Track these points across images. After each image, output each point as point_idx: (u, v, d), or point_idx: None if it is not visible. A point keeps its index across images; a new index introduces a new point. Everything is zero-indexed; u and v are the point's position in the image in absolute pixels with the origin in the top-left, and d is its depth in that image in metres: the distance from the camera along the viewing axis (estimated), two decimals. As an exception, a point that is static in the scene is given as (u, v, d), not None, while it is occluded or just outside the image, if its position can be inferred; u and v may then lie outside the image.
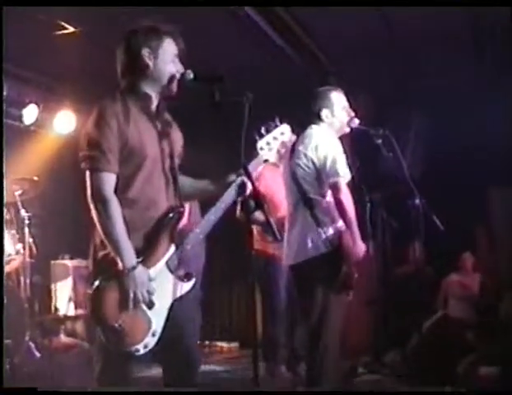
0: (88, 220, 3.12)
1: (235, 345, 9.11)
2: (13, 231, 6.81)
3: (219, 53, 6.64)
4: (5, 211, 6.52)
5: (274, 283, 6.12)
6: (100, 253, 3.11)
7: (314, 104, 4.69)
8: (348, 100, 4.76)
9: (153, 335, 3.07)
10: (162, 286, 3.11)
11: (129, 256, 3.02)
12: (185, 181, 3.43)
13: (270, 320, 6.24)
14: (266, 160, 3.39)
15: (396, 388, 5.90)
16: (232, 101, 2.98)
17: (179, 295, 3.18)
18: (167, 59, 3.24)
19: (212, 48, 6.47)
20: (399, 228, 6.92)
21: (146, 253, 3.10)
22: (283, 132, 3.46)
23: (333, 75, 7.38)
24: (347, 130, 4.76)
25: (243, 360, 7.73)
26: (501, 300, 7.46)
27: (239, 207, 4.84)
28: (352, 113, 4.72)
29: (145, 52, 3.21)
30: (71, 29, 6.47)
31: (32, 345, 6.42)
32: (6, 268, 6.48)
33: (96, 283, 3.02)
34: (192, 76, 3.22)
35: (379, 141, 5.00)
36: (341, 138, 4.78)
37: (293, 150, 4.61)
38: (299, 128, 4.46)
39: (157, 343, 3.08)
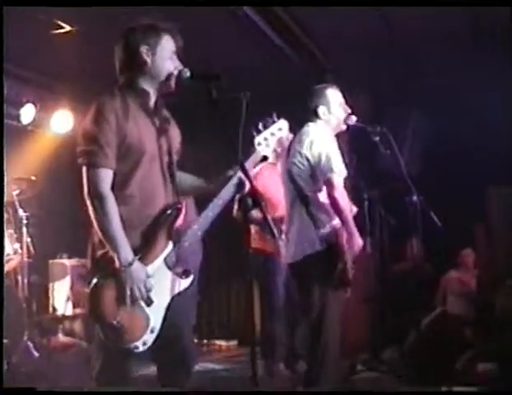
0: (86, 219, 3.11)
1: (233, 343, 9.11)
2: (11, 231, 6.80)
3: (217, 52, 6.63)
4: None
5: (272, 281, 6.12)
6: (99, 252, 3.12)
7: (310, 101, 4.69)
8: (345, 97, 4.76)
9: (152, 332, 3.08)
10: (160, 283, 3.12)
11: (126, 252, 3.02)
12: (183, 177, 3.44)
13: (268, 318, 6.24)
14: (264, 157, 3.39)
15: (395, 386, 5.89)
16: (229, 98, 2.98)
17: (177, 291, 3.18)
18: (165, 56, 3.25)
19: (210, 46, 6.46)
20: (397, 225, 6.92)
21: (143, 251, 3.10)
22: (281, 128, 3.47)
23: (331, 72, 7.37)
24: (344, 127, 4.76)
25: (241, 358, 7.73)
26: (497, 297, 7.49)
27: (236, 206, 4.86)
28: (349, 110, 4.73)
29: (143, 49, 3.22)
30: (68, 28, 6.46)
31: (30, 344, 6.41)
32: (5, 268, 6.48)
33: (94, 281, 3.02)
34: (189, 74, 3.23)
35: (377, 138, 5.00)
36: (338, 135, 4.79)
37: (290, 148, 4.63)
38: (296, 126, 4.47)
39: (156, 340, 3.08)
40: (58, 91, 8.29)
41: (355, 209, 4.86)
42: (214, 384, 6.12)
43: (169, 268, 3.16)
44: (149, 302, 3.06)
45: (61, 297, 7.86)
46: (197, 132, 5.55)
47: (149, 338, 3.07)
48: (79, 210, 3.25)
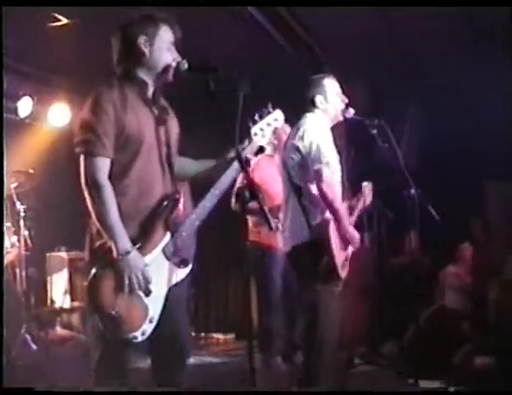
0: (84, 211, 3.11)
1: (230, 336, 9.12)
2: (8, 224, 6.80)
3: (215, 44, 6.61)
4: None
5: (270, 274, 6.13)
6: (97, 243, 3.12)
7: (307, 90, 4.70)
8: (342, 88, 4.77)
9: (151, 322, 3.08)
10: (158, 273, 3.12)
11: (123, 241, 3.02)
12: (186, 162, 3.45)
13: (266, 311, 6.25)
14: (261, 147, 3.40)
15: (393, 380, 5.90)
16: (227, 90, 2.98)
17: (174, 282, 3.19)
18: (163, 47, 3.24)
19: (208, 38, 6.45)
20: (395, 218, 6.92)
21: (141, 241, 3.10)
22: (276, 118, 3.47)
23: (328, 64, 7.36)
24: (341, 118, 4.77)
25: (239, 351, 7.74)
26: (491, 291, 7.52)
27: (233, 199, 4.86)
28: (346, 100, 4.74)
29: (141, 39, 3.21)
30: (64, 20, 6.44)
31: (28, 337, 6.42)
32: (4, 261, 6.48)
33: (93, 271, 3.02)
34: (186, 66, 3.23)
35: (375, 131, 5.00)
36: (335, 128, 4.80)
37: (287, 140, 4.64)
38: (293, 116, 4.48)
39: (155, 331, 3.08)
40: (55, 84, 8.28)
41: (360, 204, 4.88)
42: (211, 378, 6.11)
43: (167, 258, 3.16)
44: (147, 292, 3.06)
45: (59, 290, 7.86)
46: (195, 123, 5.55)
47: (148, 328, 3.07)
48: (77, 203, 3.25)
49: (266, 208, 3.10)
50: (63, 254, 8.04)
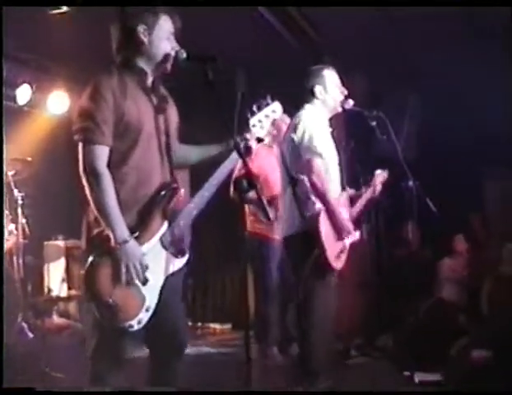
0: (82, 198, 3.11)
1: (227, 326, 9.12)
2: (6, 212, 6.79)
3: (214, 34, 6.59)
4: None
5: (266, 264, 6.14)
6: (95, 231, 3.11)
7: (307, 81, 4.71)
8: (342, 80, 4.77)
9: (147, 310, 3.08)
10: (155, 262, 3.12)
11: (121, 230, 3.01)
12: (187, 150, 3.46)
13: (262, 301, 6.26)
14: (259, 139, 3.40)
15: (388, 371, 5.91)
16: (226, 80, 2.97)
17: (171, 271, 3.19)
18: (162, 36, 3.23)
19: (207, 28, 6.43)
20: (393, 211, 6.92)
21: (139, 230, 3.10)
22: (274, 110, 3.47)
23: (328, 55, 7.34)
24: (340, 109, 4.77)
25: (236, 341, 7.74)
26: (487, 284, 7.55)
27: (232, 188, 4.86)
28: (346, 92, 4.74)
29: (140, 28, 3.20)
30: (64, 8, 6.42)
31: (25, 325, 6.41)
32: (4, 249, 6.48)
33: (90, 259, 3.02)
34: (185, 55, 3.22)
35: (374, 123, 4.99)
36: (335, 119, 4.80)
37: (286, 131, 4.65)
38: (292, 108, 4.48)
39: (151, 319, 3.08)
40: (54, 72, 8.25)
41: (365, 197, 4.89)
42: (207, 368, 6.12)
43: (165, 248, 3.16)
44: (144, 281, 3.06)
45: (56, 278, 7.86)
46: (194, 112, 5.54)
47: (144, 317, 3.07)
48: (75, 191, 3.24)
49: (264, 198, 3.10)
50: (61, 243, 8.04)
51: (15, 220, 6.84)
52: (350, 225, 4.61)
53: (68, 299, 7.76)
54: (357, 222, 4.94)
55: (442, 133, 7.87)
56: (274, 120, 3.46)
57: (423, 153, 7.65)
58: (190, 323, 8.67)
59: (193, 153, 3.48)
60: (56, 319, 7.46)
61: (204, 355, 7.02)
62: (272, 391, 4.98)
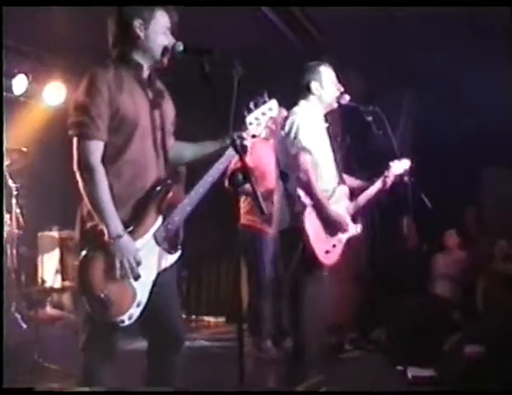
0: (77, 191, 3.10)
1: (221, 319, 9.13)
2: (0, 202, 6.77)
3: (211, 29, 6.58)
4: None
5: (260, 257, 6.16)
6: (88, 224, 3.11)
7: (303, 77, 4.72)
8: (338, 77, 4.77)
9: (138, 306, 3.08)
10: (148, 258, 3.12)
11: (115, 224, 3.01)
12: (182, 147, 3.45)
13: (256, 295, 6.27)
14: (254, 135, 3.40)
15: (382, 366, 5.92)
16: (222, 74, 2.97)
17: (164, 266, 3.19)
18: (158, 31, 3.23)
19: (205, 23, 6.41)
20: (388, 205, 6.92)
21: (133, 225, 3.10)
22: (271, 108, 3.49)
23: (325, 51, 7.34)
24: (336, 105, 4.77)
25: (229, 335, 7.75)
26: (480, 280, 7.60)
27: (227, 181, 4.86)
28: (342, 88, 4.74)
29: (136, 22, 3.20)
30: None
31: (18, 316, 6.40)
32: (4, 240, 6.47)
33: (83, 253, 3.02)
34: (182, 47, 3.23)
35: (370, 118, 4.99)
36: (331, 114, 4.80)
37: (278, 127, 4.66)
38: (288, 104, 4.48)
39: (141, 315, 3.08)
40: (50, 63, 8.23)
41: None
42: (202, 361, 6.12)
43: (158, 243, 3.16)
44: (137, 276, 3.05)
45: (50, 269, 7.84)
46: (190, 107, 5.53)
47: (135, 312, 3.07)
48: (70, 182, 3.23)
49: (259, 192, 3.09)
50: (55, 234, 8.02)
51: (9, 211, 6.82)
52: (344, 220, 4.60)
53: (62, 290, 7.74)
54: (360, 216, 4.93)
55: (438, 130, 7.87)
56: (271, 118, 3.47)
57: (419, 149, 7.65)
58: (184, 316, 8.68)
59: (187, 151, 3.48)
60: (49, 310, 7.45)
61: (198, 349, 7.02)
62: (272, 391, 5.00)
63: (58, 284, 7.74)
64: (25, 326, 6.36)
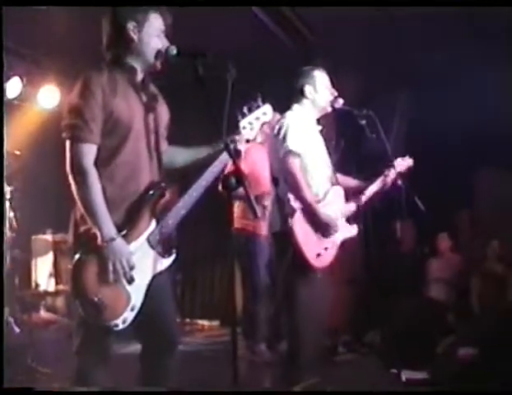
0: (70, 195, 3.10)
1: (215, 323, 9.12)
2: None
3: (205, 32, 6.58)
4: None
5: (254, 260, 6.15)
6: (81, 228, 3.10)
7: (297, 81, 4.73)
8: (332, 81, 4.78)
9: (132, 310, 3.07)
10: (142, 261, 3.11)
11: (108, 228, 3.00)
12: (175, 152, 3.45)
13: (250, 298, 6.27)
14: (248, 140, 3.40)
15: (376, 368, 5.93)
16: (216, 77, 2.97)
17: (159, 270, 3.19)
18: (152, 34, 3.23)
19: (199, 27, 6.41)
20: (382, 209, 6.93)
21: (127, 228, 3.09)
22: (265, 113, 3.50)
23: (320, 55, 7.34)
24: (329, 109, 4.77)
25: (224, 338, 7.74)
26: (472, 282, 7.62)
27: (220, 185, 4.86)
28: (335, 93, 4.75)
29: (130, 25, 3.20)
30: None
31: (11, 320, 6.39)
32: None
33: (77, 257, 3.01)
34: (175, 51, 3.22)
35: (363, 121, 4.99)
36: (325, 118, 4.81)
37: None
38: (282, 107, 4.48)
39: (135, 319, 3.08)
40: (45, 66, 8.23)
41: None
42: (196, 364, 6.11)
43: (152, 247, 3.15)
44: (131, 280, 3.05)
45: (43, 273, 7.83)
46: (184, 111, 5.54)
47: (129, 316, 3.06)
48: (63, 185, 3.22)
49: (252, 195, 3.09)
50: (49, 237, 8.01)
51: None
52: (334, 222, 4.58)
53: (56, 293, 7.73)
54: (357, 217, 4.92)
55: (432, 132, 7.88)
56: (265, 122, 3.48)
57: (413, 152, 7.66)
58: (178, 319, 8.67)
59: (180, 156, 3.47)
60: (43, 314, 7.44)
61: (192, 352, 7.01)
62: (271, 391, 5.00)
63: (51, 287, 7.74)
64: (18, 330, 6.35)
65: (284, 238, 4.41)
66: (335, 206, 4.68)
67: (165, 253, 3.21)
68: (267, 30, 6.93)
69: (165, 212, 3.20)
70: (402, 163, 5.06)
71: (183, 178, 3.43)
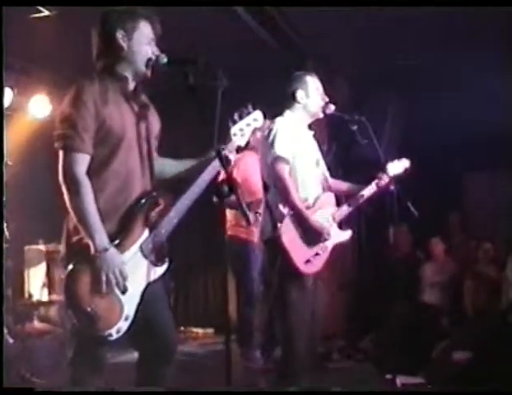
0: (63, 204, 3.09)
1: (210, 330, 9.11)
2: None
3: (195, 38, 6.59)
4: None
5: (247, 267, 6.15)
6: (74, 238, 3.10)
7: (289, 86, 4.73)
8: (324, 86, 4.78)
9: (126, 319, 3.07)
10: (136, 271, 3.11)
11: (101, 238, 3.00)
12: (165, 163, 3.45)
13: (244, 305, 6.27)
14: (239, 146, 3.41)
15: (370, 374, 5.93)
16: (206, 85, 2.97)
17: (152, 279, 3.18)
18: (142, 42, 3.23)
19: (189, 33, 6.42)
20: (374, 214, 6.93)
21: (119, 237, 3.09)
22: (256, 119, 3.50)
23: (311, 60, 7.35)
24: (321, 115, 4.78)
25: (218, 345, 7.73)
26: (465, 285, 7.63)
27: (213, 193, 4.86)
28: (327, 99, 4.75)
29: (119, 34, 3.20)
30: (46, 12, 6.39)
31: (5, 330, 6.36)
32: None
33: (70, 267, 3.00)
34: (165, 60, 3.22)
35: (355, 127, 4.99)
36: (316, 124, 4.81)
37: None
38: (273, 113, 4.49)
39: (130, 328, 3.07)
40: (36, 76, 8.21)
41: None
42: (190, 372, 6.10)
43: (145, 256, 3.15)
44: (124, 290, 3.04)
45: (37, 283, 7.80)
46: (175, 119, 5.55)
47: (123, 326, 3.06)
48: (56, 195, 3.22)
49: (244, 203, 3.10)
50: (42, 247, 7.98)
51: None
52: (324, 228, 4.57)
53: (49, 303, 7.69)
54: (349, 221, 4.92)
55: (424, 136, 7.90)
56: (256, 128, 3.48)
57: (404, 156, 7.68)
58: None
59: (170, 168, 3.47)
60: (37, 324, 7.40)
61: (186, 360, 7.00)
62: (270, 391, 4.99)
63: (45, 297, 7.71)
64: (11, 340, 6.33)
65: (274, 244, 4.40)
66: (326, 211, 4.68)
67: (158, 262, 3.20)
68: (257, 35, 6.92)
69: (157, 221, 3.20)
70: (398, 165, 5.05)
71: (174, 186, 3.43)
